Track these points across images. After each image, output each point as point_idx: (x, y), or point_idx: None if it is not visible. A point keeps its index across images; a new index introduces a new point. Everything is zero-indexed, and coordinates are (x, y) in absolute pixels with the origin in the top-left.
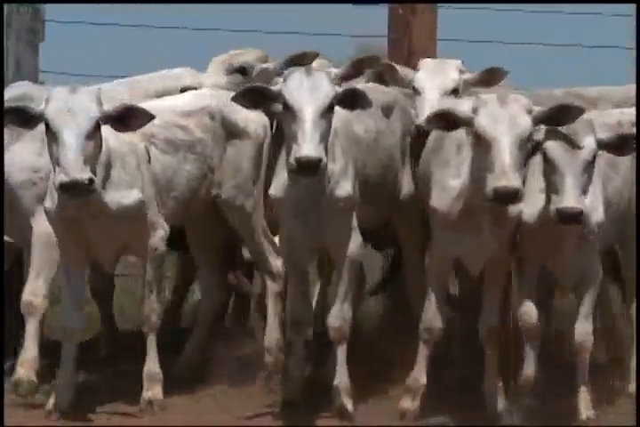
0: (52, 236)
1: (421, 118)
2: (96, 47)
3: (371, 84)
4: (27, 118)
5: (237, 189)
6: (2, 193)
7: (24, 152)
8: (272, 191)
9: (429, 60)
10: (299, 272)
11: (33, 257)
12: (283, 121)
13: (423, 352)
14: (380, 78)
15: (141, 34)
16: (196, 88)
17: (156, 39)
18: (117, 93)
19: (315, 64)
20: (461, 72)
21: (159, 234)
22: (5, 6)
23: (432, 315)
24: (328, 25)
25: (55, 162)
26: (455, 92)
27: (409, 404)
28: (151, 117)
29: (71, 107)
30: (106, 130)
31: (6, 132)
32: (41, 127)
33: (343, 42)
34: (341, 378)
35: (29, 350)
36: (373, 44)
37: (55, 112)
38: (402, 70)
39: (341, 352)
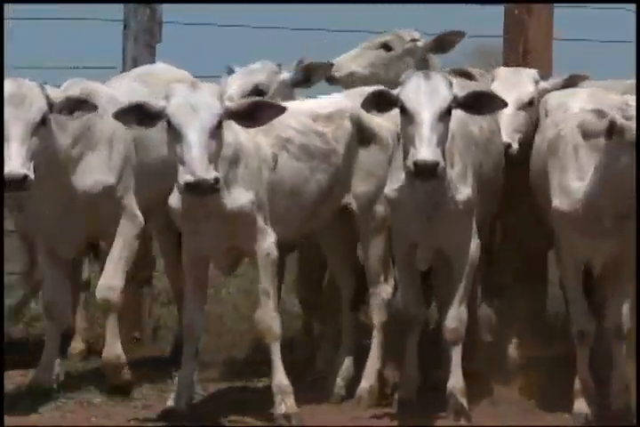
0: (132, 234)
1: (502, 135)
2: (212, 47)
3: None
4: (146, 116)
5: (369, 194)
6: (2, 193)
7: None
8: (387, 192)
9: (505, 69)
10: (412, 273)
11: (113, 255)
12: (401, 124)
13: (581, 356)
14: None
15: (250, 33)
16: None
17: (263, 39)
18: None
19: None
20: (537, 82)
21: (270, 239)
22: (123, 8)
23: (581, 317)
24: (447, 25)
25: (179, 161)
26: (530, 104)
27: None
28: (283, 110)
29: (194, 104)
30: (237, 127)
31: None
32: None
33: (461, 42)
34: (457, 379)
35: (113, 348)
36: (489, 44)
37: (178, 109)
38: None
39: (456, 354)
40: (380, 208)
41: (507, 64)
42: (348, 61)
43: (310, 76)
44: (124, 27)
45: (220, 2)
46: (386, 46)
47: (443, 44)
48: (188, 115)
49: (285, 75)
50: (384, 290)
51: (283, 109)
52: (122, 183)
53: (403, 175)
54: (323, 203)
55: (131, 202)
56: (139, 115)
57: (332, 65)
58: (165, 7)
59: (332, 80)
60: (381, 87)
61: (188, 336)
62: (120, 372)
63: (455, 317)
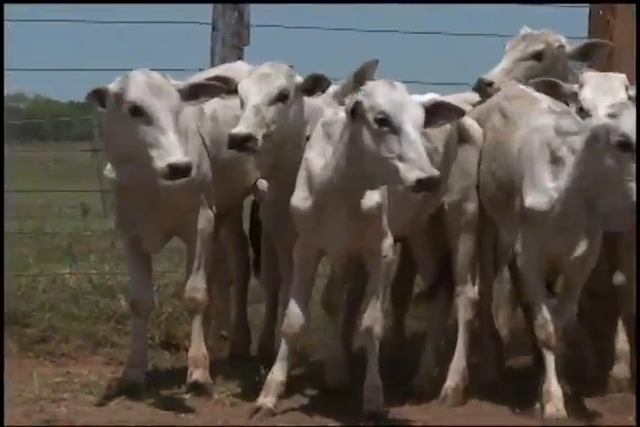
0: (208, 232)
1: None
2: (295, 49)
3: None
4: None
5: (464, 192)
6: (2, 192)
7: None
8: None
9: (594, 75)
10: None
11: (193, 254)
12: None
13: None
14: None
15: (340, 36)
16: None
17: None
18: None
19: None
20: (627, 88)
21: (389, 241)
22: (212, 10)
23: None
24: (529, 25)
25: (399, 157)
26: None
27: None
28: (462, 113)
29: (403, 102)
30: None
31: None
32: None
33: None
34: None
35: (199, 346)
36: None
37: (394, 107)
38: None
39: (550, 360)
40: (470, 206)
41: (591, 65)
42: (503, 76)
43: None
44: (213, 29)
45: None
46: (538, 56)
47: (588, 52)
48: (403, 112)
49: (299, 78)
50: (470, 289)
51: (462, 112)
52: (199, 177)
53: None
54: (426, 202)
55: (208, 199)
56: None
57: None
58: (253, 10)
59: (486, 95)
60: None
61: (290, 335)
62: (204, 370)
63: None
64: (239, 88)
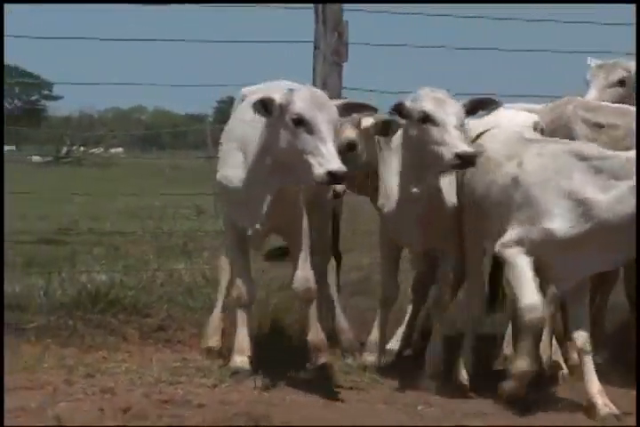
0: (306, 226)
1: None
2: (392, 66)
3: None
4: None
5: None
6: (2, 191)
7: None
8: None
9: None
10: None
11: (299, 248)
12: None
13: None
14: None
15: (432, 53)
16: None
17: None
18: None
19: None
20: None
21: None
22: (314, 30)
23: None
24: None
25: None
26: None
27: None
28: (375, 110)
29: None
30: None
31: None
32: None
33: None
34: (314, 331)
35: (317, 332)
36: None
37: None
38: None
39: (590, 362)
40: None
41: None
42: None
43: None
44: (315, 47)
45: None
46: (622, 83)
47: None
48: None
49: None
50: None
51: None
52: None
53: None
54: None
55: (300, 194)
56: None
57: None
58: (351, 30)
59: None
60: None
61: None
62: (323, 354)
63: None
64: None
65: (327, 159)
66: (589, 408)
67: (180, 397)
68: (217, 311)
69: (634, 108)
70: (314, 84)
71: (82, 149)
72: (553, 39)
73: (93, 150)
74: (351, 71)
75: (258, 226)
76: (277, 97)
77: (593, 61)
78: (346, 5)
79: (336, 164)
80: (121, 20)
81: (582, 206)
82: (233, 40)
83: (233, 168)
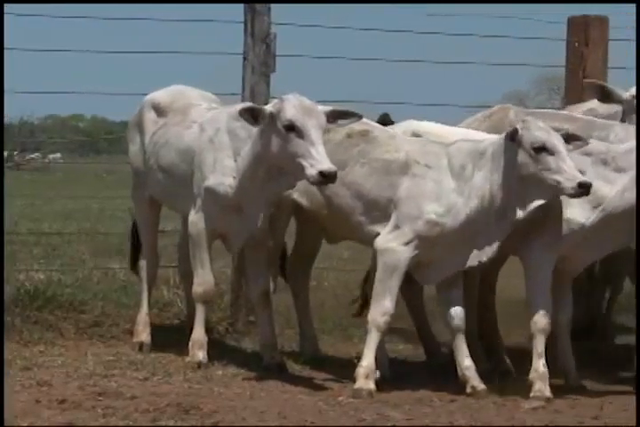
0: None
1: None
2: (319, 77)
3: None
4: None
5: None
6: (2, 191)
7: None
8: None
9: None
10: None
11: (266, 256)
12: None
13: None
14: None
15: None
16: None
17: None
18: None
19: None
20: None
21: None
22: (243, 42)
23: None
24: (510, 56)
25: (302, 156)
26: None
27: None
28: (360, 117)
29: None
30: None
31: None
32: None
33: (524, 70)
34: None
35: (198, 332)
36: (553, 72)
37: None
38: None
39: (462, 339)
40: None
41: (568, 90)
42: None
43: None
44: (244, 59)
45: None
46: None
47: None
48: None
49: None
50: None
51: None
52: None
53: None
54: None
55: None
56: None
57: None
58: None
59: None
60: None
61: None
62: (201, 350)
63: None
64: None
65: (318, 160)
66: (464, 382)
67: (114, 389)
68: (144, 308)
69: (578, 115)
70: (243, 93)
71: (21, 154)
72: (473, 52)
73: (32, 156)
74: (280, 81)
75: (250, 231)
76: (268, 107)
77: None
78: (274, 18)
79: (327, 164)
80: (58, 28)
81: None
82: (167, 51)
83: (225, 176)
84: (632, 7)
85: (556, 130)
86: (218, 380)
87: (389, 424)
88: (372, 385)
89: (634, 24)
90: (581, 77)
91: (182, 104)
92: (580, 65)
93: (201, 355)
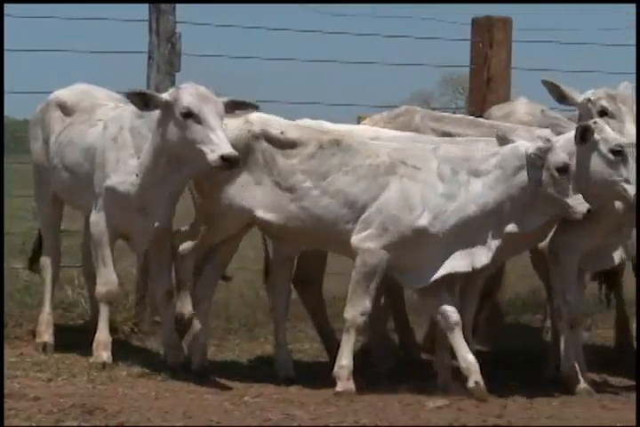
0: None
1: None
2: (223, 76)
3: None
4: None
5: None
6: (2, 191)
7: None
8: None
9: None
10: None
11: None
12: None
13: None
14: None
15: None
16: None
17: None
18: None
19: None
20: None
21: None
22: (148, 41)
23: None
24: (417, 57)
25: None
26: None
27: None
28: (256, 107)
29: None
30: None
31: None
32: None
33: (430, 71)
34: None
35: (102, 331)
36: (457, 72)
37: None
38: None
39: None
40: None
41: (472, 90)
42: None
43: None
44: (149, 58)
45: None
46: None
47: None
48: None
49: None
50: None
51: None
52: None
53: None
54: None
55: None
56: None
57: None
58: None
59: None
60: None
61: None
62: (105, 350)
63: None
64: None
65: (218, 145)
66: (466, 376)
67: (17, 390)
68: (47, 308)
69: (481, 120)
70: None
71: None
72: (381, 52)
73: None
74: (187, 80)
75: (157, 224)
76: (164, 95)
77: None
78: (179, 17)
79: (227, 148)
80: None
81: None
82: (72, 50)
83: (127, 174)
84: (536, 7)
85: (448, 134)
86: (122, 380)
87: (295, 424)
88: (353, 386)
89: (537, 26)
90: (485, 78)
91: (89, 104)
92: (484, 66)
93: (105, 355)
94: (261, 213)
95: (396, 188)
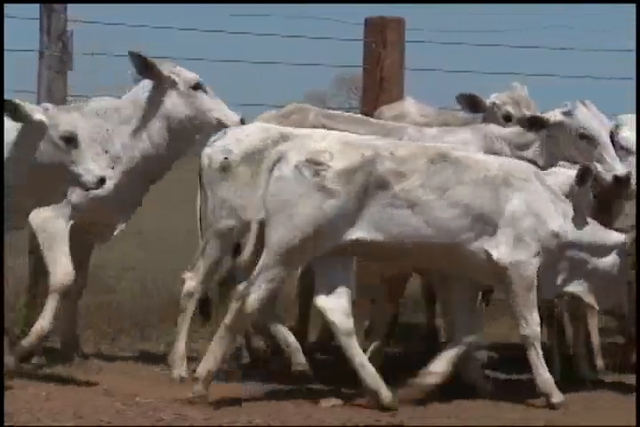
0: None
1: None
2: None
3: None
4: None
5: None
6: (2, 193)
7: None
8: None
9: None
10: None
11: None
12: None
13: None
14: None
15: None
16: None
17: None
18: None
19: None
20: None
21: None
22: (39, 39)
23: None
24: (310, 57)
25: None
26: None
27: None
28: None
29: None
30: None
31: None
32: None
33: (324, 70)
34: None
35: (44, 321)
36: (349, 72)
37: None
38: None
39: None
40: None
41: (365, 90)
42: None
43: None
44: (40, 56)
45: None
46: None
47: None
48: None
49: None
50: None
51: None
52: None
53: None
54: None
55: None
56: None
57: None
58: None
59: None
60: None
61: None
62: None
63: None
64: None
65: (94, 167)
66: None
67: None
68: None
69: (371, 119)
70: (38, 91)
71: None
72: (280, 52)
73: None
74: (78, 79)
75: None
76: (39, 116)
77: None
78: (70, 15)
79: (102, 169)
80: None
81: None
82: None
83: None
84: (430, 7)
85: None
86: (14, 381)
87: (187, 424)
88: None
89: (430, 26)
90: (378, 78)
91: None
92: (377, 66)
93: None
94: (364, 234)
95: (519, 198)
